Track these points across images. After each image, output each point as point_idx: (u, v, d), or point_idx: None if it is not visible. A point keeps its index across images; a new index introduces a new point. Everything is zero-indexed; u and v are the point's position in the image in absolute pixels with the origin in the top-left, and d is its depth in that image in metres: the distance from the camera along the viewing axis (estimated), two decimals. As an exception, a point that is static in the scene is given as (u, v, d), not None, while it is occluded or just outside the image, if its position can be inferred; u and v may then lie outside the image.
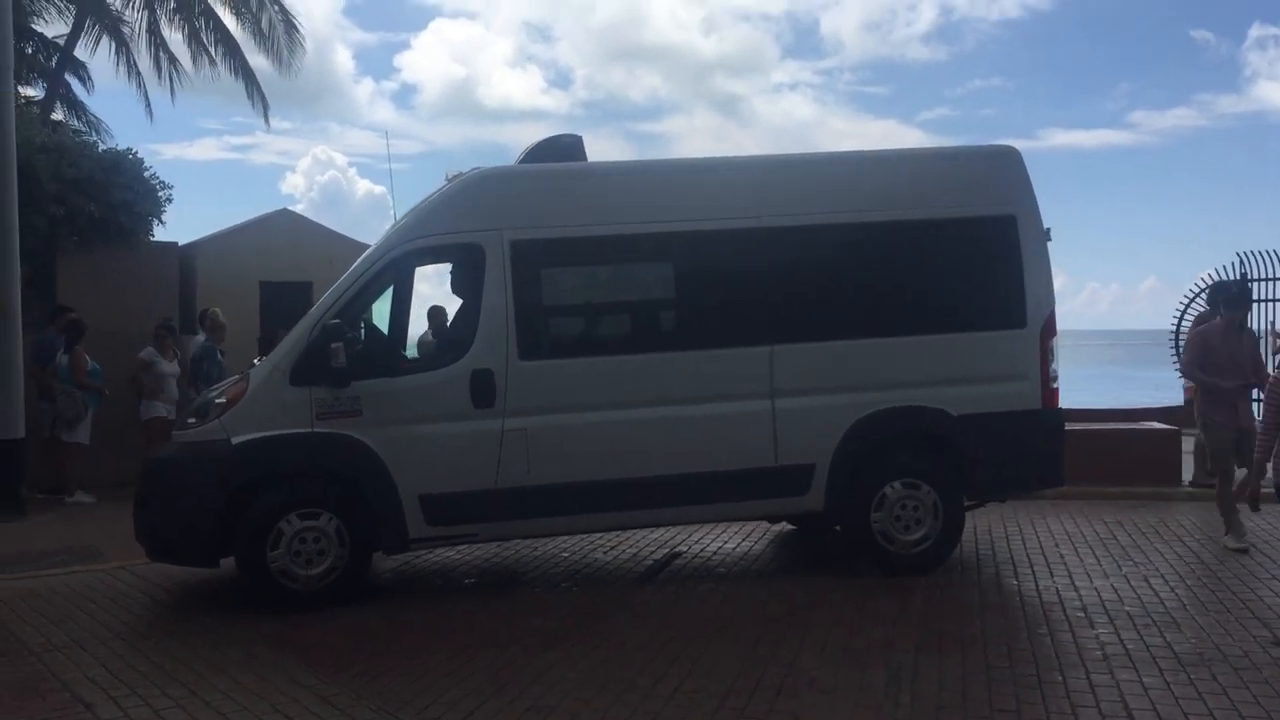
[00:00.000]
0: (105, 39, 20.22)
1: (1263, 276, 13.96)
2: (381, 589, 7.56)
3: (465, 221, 7.27)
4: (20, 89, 17.73)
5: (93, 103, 22.41)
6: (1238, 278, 13.71)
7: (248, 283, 13.50)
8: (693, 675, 5.39)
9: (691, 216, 7.41)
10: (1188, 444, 11.01)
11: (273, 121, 21.24)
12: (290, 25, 20.08)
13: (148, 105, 21.12)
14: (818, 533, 8.77)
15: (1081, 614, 6.42)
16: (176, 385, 11.68)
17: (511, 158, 7.99)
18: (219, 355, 11.57)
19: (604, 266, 7.73)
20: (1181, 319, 13.89)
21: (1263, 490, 7.18)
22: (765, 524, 9.09)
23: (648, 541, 8.78)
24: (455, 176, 7.55)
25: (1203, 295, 12.47)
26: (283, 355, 7.07)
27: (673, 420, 7.19)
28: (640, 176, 7.80)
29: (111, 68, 20.55)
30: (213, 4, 19.90)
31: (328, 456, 6.94)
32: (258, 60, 20.15)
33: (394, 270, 7.32)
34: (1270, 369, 8.39)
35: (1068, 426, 7.96)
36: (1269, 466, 6.92)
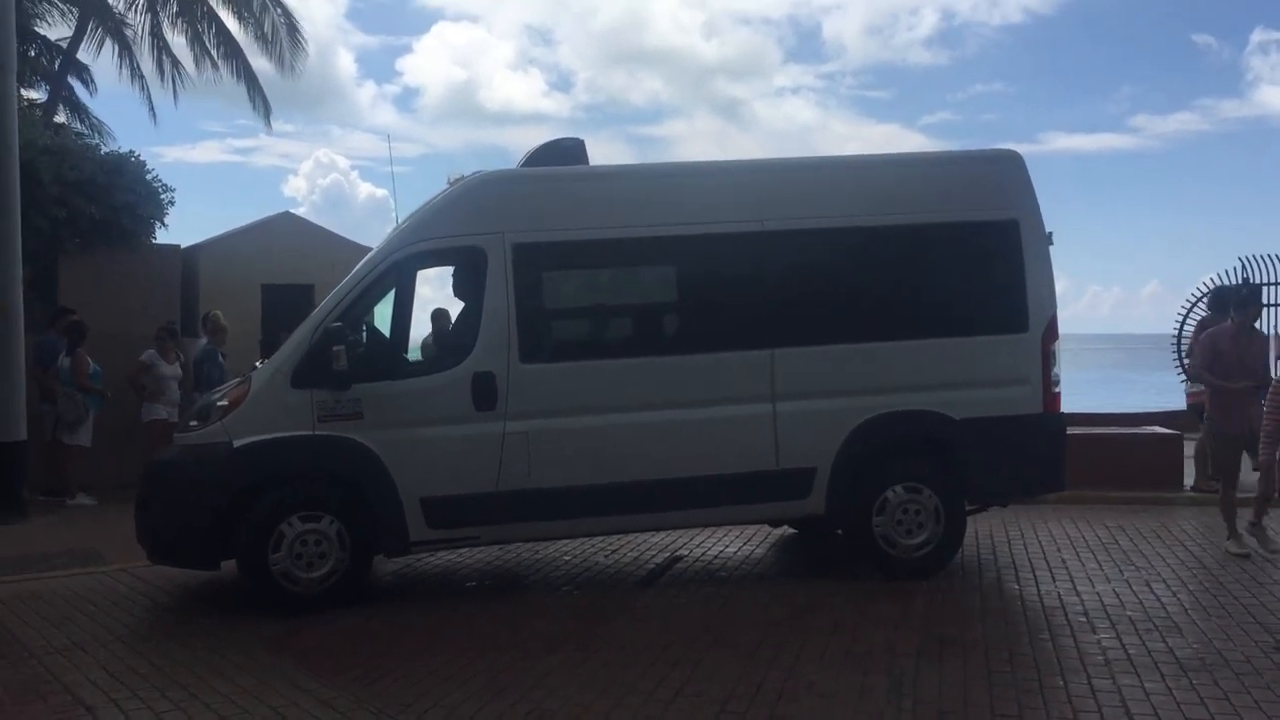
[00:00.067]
0: (108, 42, 20.25)
1: (1265, 281, 13.93)
2: (382, 592, 7.56)
3: (467, 225, 7.27)
4: (23, 91, 17.77)
5: (95, 105, 22.43)
6: (1240, 282, 13.70)
7: (249, 285, 13.51)
8: (694, 679, 5.39)
9: (693, 220, 7.41)
10: (1189, 448, 11.01)
11: (275, 124, 21.29)
12: (293, 28, 20.13)
13: (151, 108, 21.17)
14: (819, 537, 8.76)
15: (1083, 618, 6.41)
16: (178, 388, 11.68)
17: (513, 161, 8.00)
18: (220, 358, 11.57)
19: (606, 270, 7.73)
20: (1184, 323, 13.87)
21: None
22: (766, 528, 9.08)
23: (649, 545, 8.77)
24: (457, 180, 7.55)
25: (1205, 300, 12.45)
26: (284, 358, 7.08)
27: (674, 424, 7.19)
28: (641, 180, 7.80)
29: (114, 70, 20.61)
30: (215, 7, 19.93)
31: (329, 459, 6.94)
32: (260, 63, 20.21)
33: (396, 273, 7.32)
34: (1274, 374, 8.38)
35: (1069, 431, 7.96)
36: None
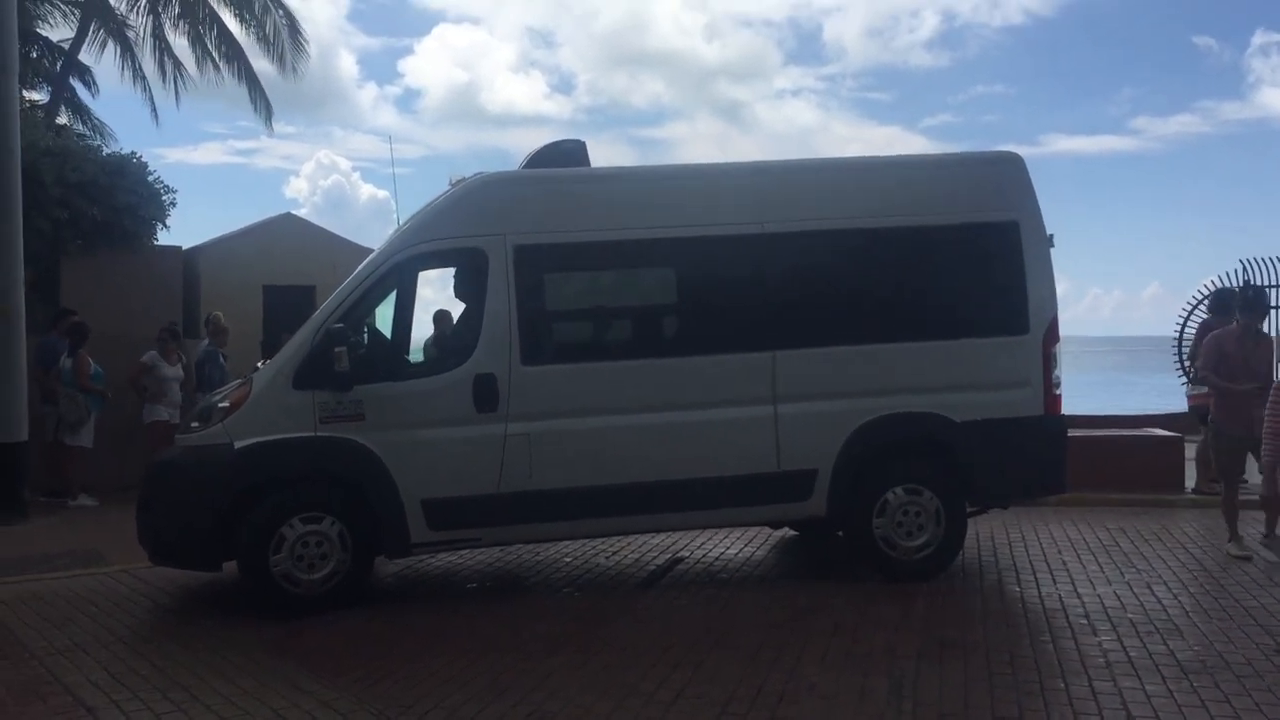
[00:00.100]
0: (110, 43, 20.27)
1: (1266, 284, 13.92)
2: (383, 594, 7.56)
3: (468, 226, 7.27)
4: (25, 93, 17.78)
5: (97, 107, 22.44)
6: (1241, 284, 13.69)
7: (251, 287, 13.52)
8: (694, 681, 5.39)
9: (694, 222, 7.41)
10: (1190, 451, 11.01)
11: (277, 126, 21.29)
12: (294, 29, 20.13)
13: (153, 109, 21.18)
14: (820, 538, 8.76)
15: (1084, 621, 6.41)
16: (179, 389, 11.69)
17: (514, 163, 8.01)
18: (222, 359, 11.58)
19: (607, 272, 7.73)
20: (1184, 326, 13.85)
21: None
22: (767, 529, 9.08)
23: (650, 547, 8.78)
24: (459, 181, 7.56)
25: (1205, 302, 12.44)
26: (286, 359, 7.08)
27: (675, 425, 7.19)
28: (643, 182, 7.81)
29: (116, 72, 20.62)
30: (217, 8, 19.94)
31: (331, 461, 6.94)
32: (262, 64, 20.22)
33: (397, 275, 7.33)
34: (1277, 376, 8.37)
35: (1070, 433, 7.96)
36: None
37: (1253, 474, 8.62)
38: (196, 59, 20.10)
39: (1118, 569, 7.75)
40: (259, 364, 8.06)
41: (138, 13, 20.08)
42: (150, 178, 13.59)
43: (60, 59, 20.94)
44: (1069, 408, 8.13)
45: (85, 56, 20.63)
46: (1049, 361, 7.61)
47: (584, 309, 7.92)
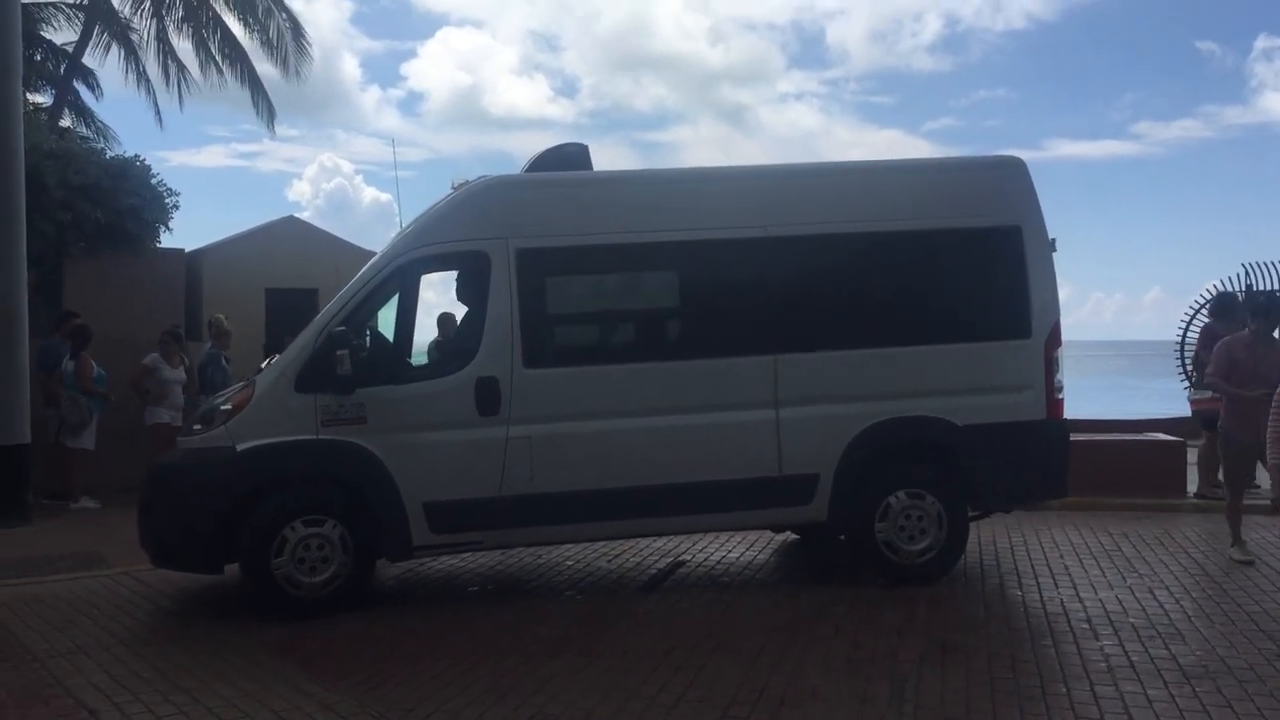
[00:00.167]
0: (114, 46, 20.30)
1: (1267, 288, 13.92)
2: (385, 596, 7.56)
3: (471, 230, 7.28)
4: (29, 96, 17.82)
5: (100, 110, 22.48)
6: (1243, 289, 13.69)
7: (253, 290, 13.52)
8: (696, 685, 5.39)
9: (697, 226, 7.42)
10: (1192, 455, 11.00)
11: (280, 129, 21.34)
12: (298, 33, 20.15)
13: (157, 112, 21.21)
14: (822, 542, 8.75)
15: (1086, 625, 6.40)
16: (181, 391, 11.70)
17: (517, 166, 8.03)
18: (224, 362, 11.59)
19: (609, 275, 7.74)
20: (1186, 330, 13.86)
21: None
22: (769, 533, 9.08)
23: (651, 550, 8.77)
24: (461, 184, 7.57)
25: (1207, 307, 12.44)
26: (288, 362, 7.09)
27: (677, 429, 7.19)
28: (646, 186, 7.81)
29: (120, 75, 20.65)
30: (221, 12, 19.97)
31: (332, 463, 6.95)
32: (265, 68, 20.24)
33: (400, 278, 7.34)
34: None
35: (1072, 437, 7.95)
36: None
37: (1263, 479, 8.59)
38: (200, 62, 20.15)
39: (1120, 573, 7.74)
40: (262, 364, 8.08)
41: (141, 16, 20.13)
42: (153, 180, 13.61)
43: (64, 62, 20.98)
44: (1071, 412, 8.12)
45: (89, 59, 20.71)
46: (1051, 366, 7.60)
47: (586, 312, 7.93)
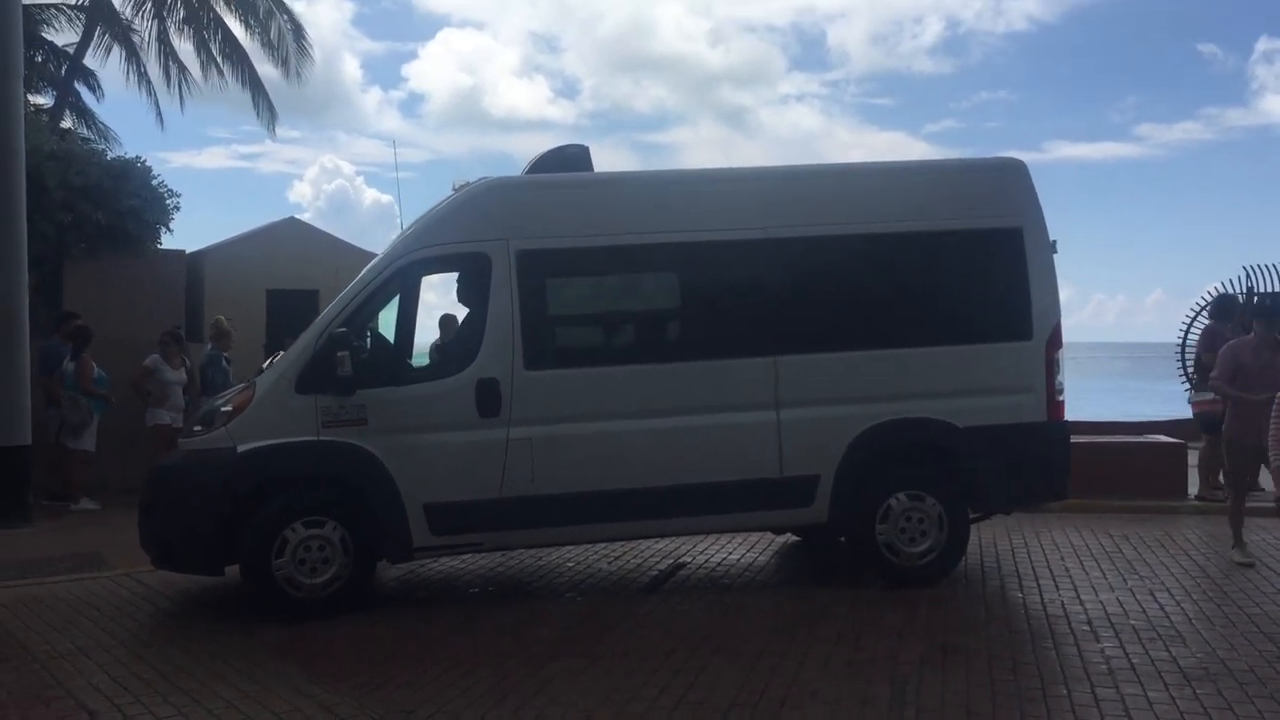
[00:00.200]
0: (115, 48, 20.31)
1: (1268, 290, 13.93)
2: (385, 598, 7.56)
3: (472, 231, 7.28)
4: (30, 97, 17.83)
5: (101, 111, 22.49)
6: (1244, 291, 13.70)
7: (254, 291, 13.52)
8: (696, 687, 5.38)
9: (697, 227, 7.42)
10: (1193, 457, 10.99)
11: (281, 130, 21.37)
12: (299, 34, 20.17)
13: (158, 114, 21.21)
14: (822, 544, 8.76)
15: (1086, 627, 6.40)
16: (182, 393, 11.70)
17: (518, 167, 8.03)
18: (224, 363, 11.59)
19: (610, 276, 7.73)
20: (1188, 332, 13.87)
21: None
22: (770, 535, 9.08)
23: (652, 552, 8.77)
24: (462, 186, 7.58)
25: (1208, 309, 12.44)
26: (289, 363, 7.09)
27: (677, 431, 7.19)
28: (646, 187, 7.81)
29: (121, 76, 20.66)
30: (222, 13, 19.98)
31: (333, 465, 6.95)
32: (266, 69, 20.25)
33: (401, 279, 7.35)
34: None
35: (1073, 439, 7.94)
36: None
37: (1266, 481, 8.58)
38: (201, 63, 20.16)
39: (1120, 575, 7.73)
40: (264, 365, 8.08)
41: (143, 17, 20.14)
42: (154, 182, 13.62)
43: (65, 63, 20.99)
44: (1072, 413, 8.12)
45: (90, 61, 20.72)
46: (1052, 367, 7.60)
47: (587, 314, 7.93)
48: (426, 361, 8.72)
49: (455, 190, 7.59)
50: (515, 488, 7.03)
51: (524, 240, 7.23)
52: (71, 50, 20.59)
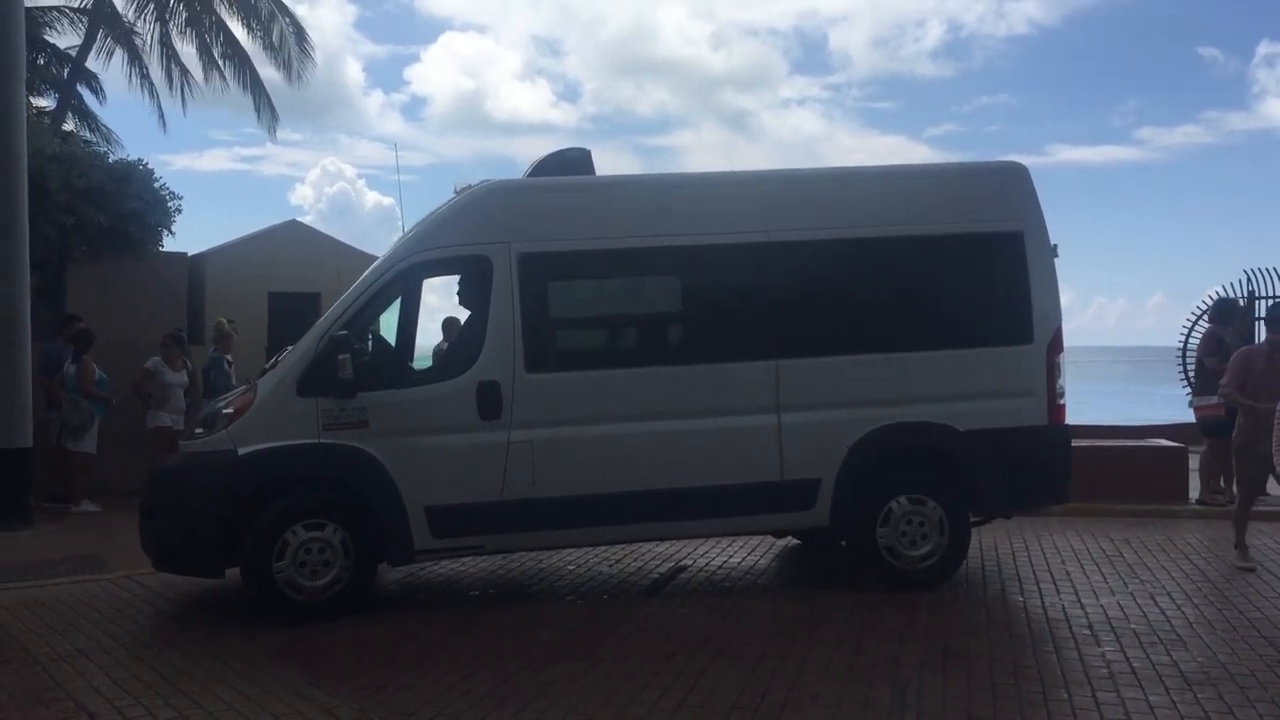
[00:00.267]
0: (117, 50, 20.32)
1: (1269, 294, 13.91)
2: (386, 601, 7.56)
3: (473, 234, 7.29)
4: (32, 99, 17.82)
5: (104, 113, 22.51)
6: (1245, 294, 13.68)
7: (256, 293, 13.51)
8: (697, 690, 5.38)
9: (699, 231, 7.42)
10: (1194, 461, 10.99)
11: (282, 133, 21.39)
12: (301, 37, 20.17)
13: (160, 116, 21.22)
14: (823, 548, 8.76)
15: (1087, 631, 6.40)
16: (183, 395, 11.70)
17: (520, 170, 8.04)
18: (226, 365, 11.59)
19: (611, 280, 7.74)
20: (1189, 335, 13.85)
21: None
22: (770, 538, 9.07)
23: (653, 555, 8.77)
24: (464, 189, 7.58)
25: (1208, 313, 12.43)
26: (290, 366, 7.09)
27: (678, 434, 7.19)
28: (648, 190, 7.81)
29: (123, 79, 20.67)
30: (224, 16, 20.00)
31: (334, 467, 6.95)
32: (268, 72, 20.26)
33: (402, 282, 7.36)
34: None
35: (1074, 443, 7.95)
36: None
37: (1271, 486, 8.57)
38: (203, 66, 20.17)
39: (1121, 579, 7.73)
40: (266, 366, 8.08)
41: (145, 20, 20.14)
42: (156, 184, 13.62)
43: (67, 66, 21.01)
44: (1073, 417, 8.12)
45: (92, 63, 20.71)
46: (1053, 371, 7.60)
47: (588, 317, 7.94)
48: (430, 364, 8.72)
49: (457, 193, 7.59)
50: (516, 490, 7.03)
51: (525, 243, 7.23)
52: (74, 53, 20.61)
